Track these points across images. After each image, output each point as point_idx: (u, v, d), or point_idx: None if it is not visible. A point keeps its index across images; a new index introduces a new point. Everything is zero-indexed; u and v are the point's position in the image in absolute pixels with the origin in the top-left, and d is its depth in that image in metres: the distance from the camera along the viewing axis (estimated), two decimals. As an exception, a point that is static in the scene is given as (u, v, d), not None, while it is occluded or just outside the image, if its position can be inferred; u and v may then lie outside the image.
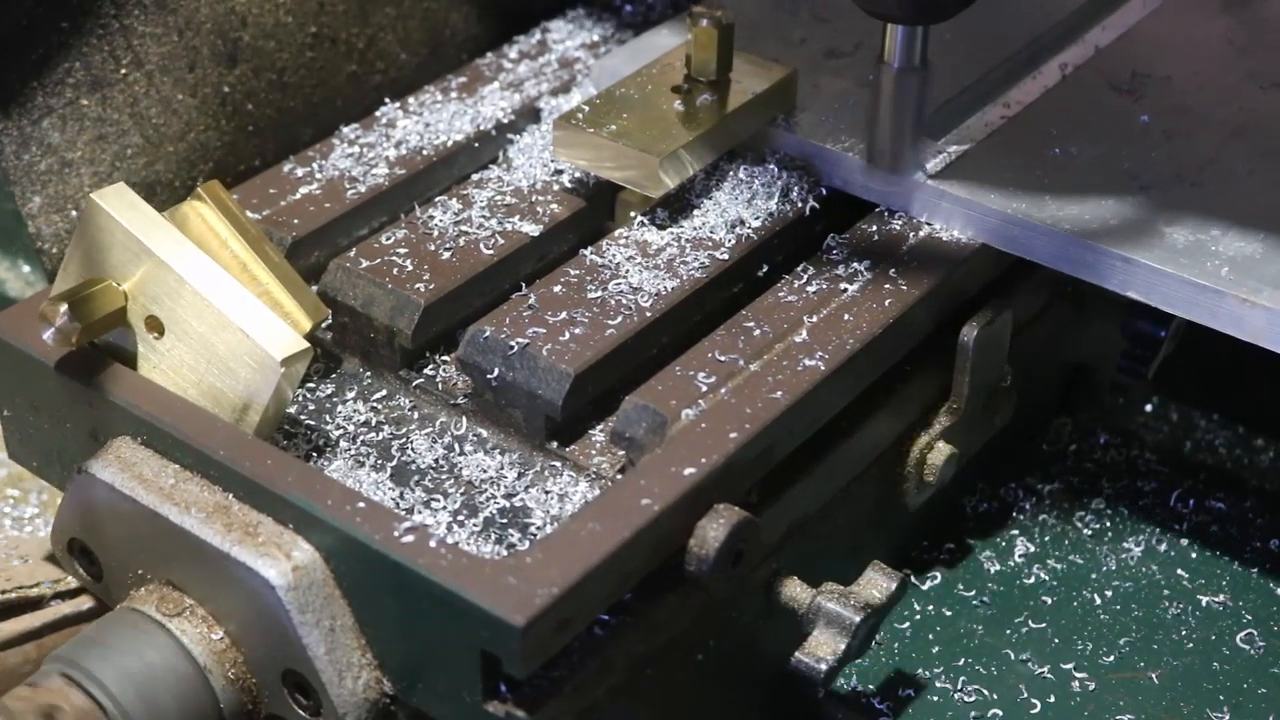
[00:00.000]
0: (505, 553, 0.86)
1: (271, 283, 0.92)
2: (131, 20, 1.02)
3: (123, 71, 1.02)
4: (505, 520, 0.88)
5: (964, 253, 0.98)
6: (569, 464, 0.91)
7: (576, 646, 0.82)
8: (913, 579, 1.04)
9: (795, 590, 0.91)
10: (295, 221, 1.01)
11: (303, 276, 0.98)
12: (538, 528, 0.88)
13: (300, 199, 1.02)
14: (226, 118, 1.08)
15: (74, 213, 1.01)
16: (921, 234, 0.99)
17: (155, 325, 0.90)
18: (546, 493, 0.90)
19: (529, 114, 1.10)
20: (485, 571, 0.79)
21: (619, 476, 0.89)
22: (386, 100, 1.11)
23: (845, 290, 0.95)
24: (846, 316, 0.93)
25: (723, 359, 0.90)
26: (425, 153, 1.06)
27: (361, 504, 0.82)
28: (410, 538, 0.80)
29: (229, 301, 0.89)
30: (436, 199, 1.02)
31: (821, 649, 0.88)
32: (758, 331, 0.92)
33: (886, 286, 0.95)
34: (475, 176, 1.05)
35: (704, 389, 0.88)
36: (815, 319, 0.93)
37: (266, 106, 1.10)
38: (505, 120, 1.09)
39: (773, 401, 0.88)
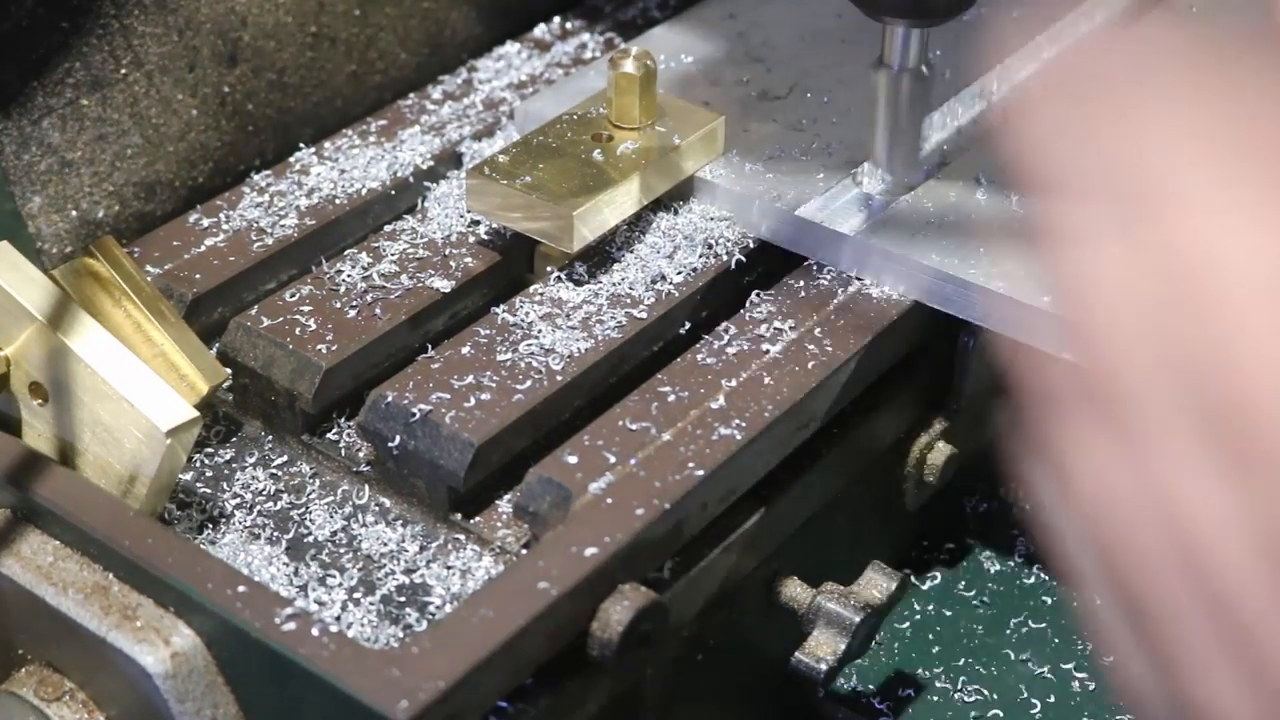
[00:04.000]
0: (401, 633, 0.82)
1: (167, 344, 0.88)
2: (131, 20, 1.00)
3: (123, 71, 1.01)
4: (404, 598, 0.84)
5: (894, 310, 0.94)
6: (473, 537, 0.87)
7: (470, 738, 0.78)
8: (913, 579, 1.03)
9: (795, 590, 0.90)
10: (197, 276, 0.96)
11: (205, 334, 0.94)
12: (437, 606, 0.83)
13: (204, 252, 0.98)
14: (226, 118, 1.06)
15: (74, 213, 1.00)
16: (851, 289, 0.95)
17: (39, 392, 0.86)
18: (448, 568, 0.85)
19: (450, 159, 1.06)
20: (369, 663, 0.75)
21: (524, 552, 0.85)
22: (301, 145, 1.07)
23: (767, 352, 0.91)
24: (767, 380, 0.89)
25: (634, 427, 0.86)
26: (338, 202, 1.02)
27: (243, 587, 0.78)
28: (292, 625, 0.76)
29: (114, 368, 0.84)
30: (346, 252, 0.98)
31: (821, 649, 0.88)
32: (672, 397, 0.88)
33: (810, 348, 0.91)
34: (388, 228, 1.01)
35: (612, 460, 0.84)
36: (734, 383, 0.89)
37: (266, 106, 1.08)
38: (424, 166, 1.05)
39: (684, 474, 0.84)
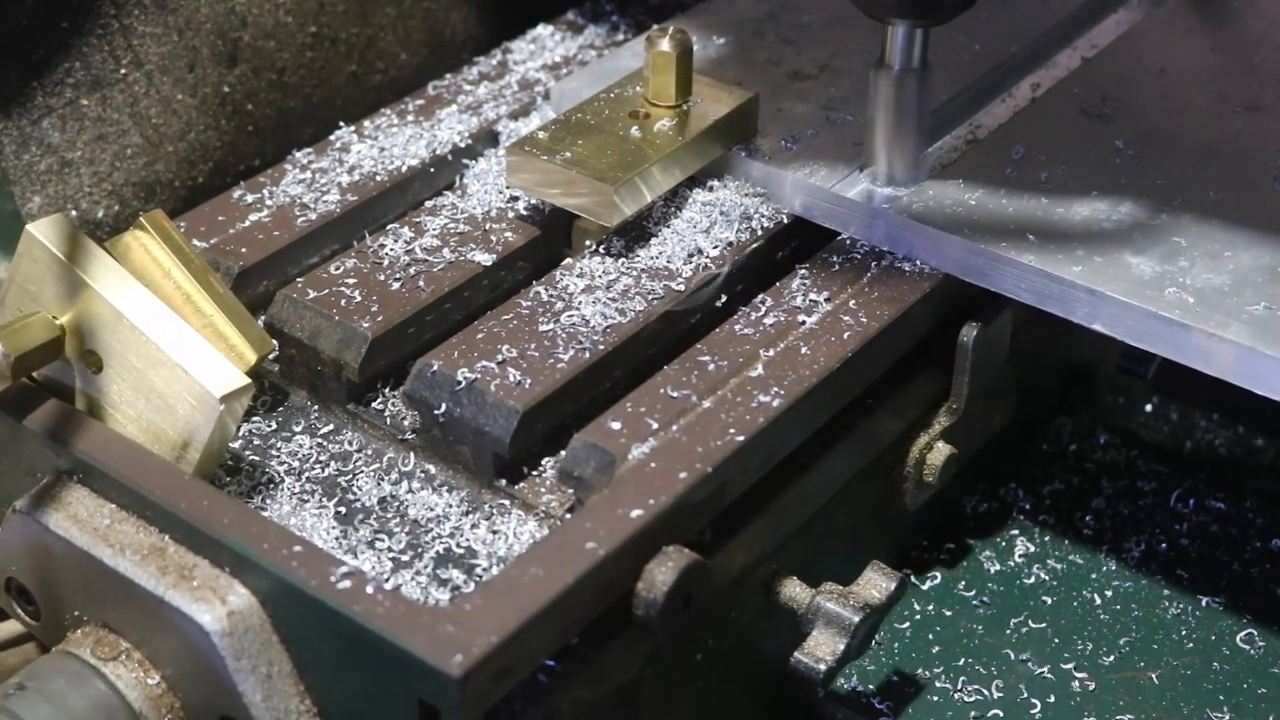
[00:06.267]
0: (449, 595, 0.84)
1: (216, 315, 0.90)
2: (131, 20, 1.01)
3: (123, 71, 1.02)
4: (450, 561, 0.86)
5: (927, 283, 0.96)
6: (517, 503, 0.89)
7: (519, 694, 0.80)
8: (913, 579, 1.04)
9: (795, 590, 0.90)
10: (243, 250, 0.98)
11: (252, 306, 0.96)
12: (483, 569, 0.85)
13: (249, 226, 1.00)
14: (226, 118, 1.07)
15: (74, 213, 1.01)
16: (884, 263, 0.97)
17: (94, 361, 0.88)
18: (493, 532, 0.87)
19: (487, 138, 1.08)
20: (422, 619, 0.77)
21: (568, 516, 0.87)
22: (341, 124, 1.09)
23: (803, 323, 0.93)
24: (804, 350, 0.91)
25: (675, 395, 0.88)
26: (379, 178, 1.04)
27: (298, 547, 0.80)
28: (347, 583, 0.78)
29: (167, 336, 0.86)
30: (388, 227, 1.00)
31: (821, 649, 0.88)
32: (712, 366, 0.90)
33: (846, 319, 0.93)
34: (429, 203, 1.03)
35: (654, 426, 0.86)
36: (771, 353, 0.91)
37: (266, 106, 1.09)
38: (462, 145, 1.07)
39: (725, 439, 0.86)
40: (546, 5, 1.21)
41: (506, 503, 0.89)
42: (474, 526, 0.88)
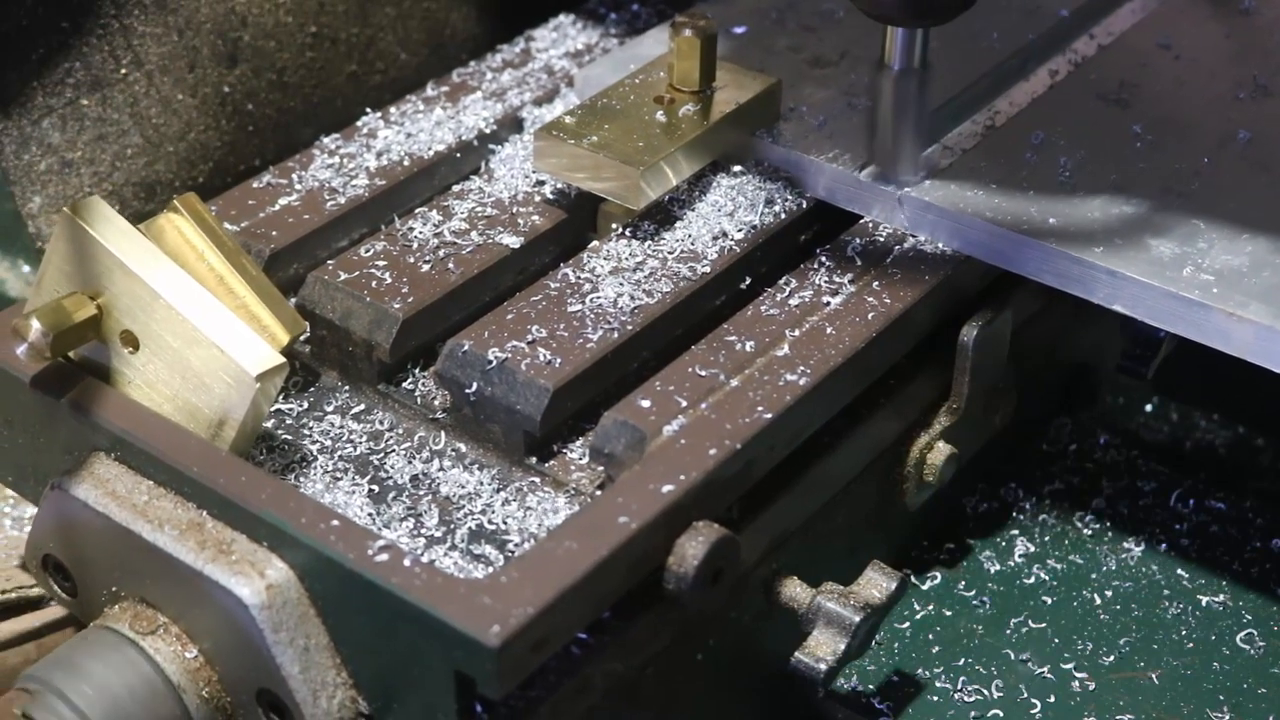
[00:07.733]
0: (482, 571, 0.85)
1: (248, 296, 0.91)
2: (131, 20, 1.02)
3: (123, 71, 1.02)
4: (482, 538, 0.87)
5: (949, 265, 0.97)
6: (548, 480, 0.90)
7: (553, 666, 0.81)
8: (913, 579, 1.04)
9: (795, 590, 0.91)
10: (274, 233, 1.00)
11: (281, 289, 0.97)
12: (515, 545, 0.87)
13: (279, 210, 1.01)
14: (226, 118, 1.08)
15: (74, 213, 1.02)
16: (906, 245, 0.99)
17: (130, 340, 0.89)
18: (525, 509, 0.89)
19: (511, 124, 1.10)
20: (459, 591, 0.78)
21: (598, 493, 0.88)
22: (368, 110, 1.10)
23: (828, 303, 0.94)
24: (829, 330, 0.92)
25: (703, 374, 0.89)
26: (406, 163, 1.05)
27: (335, 522, 0.81)
28: (384, 556, 0.79)
29: (203, 316, 0.88)
30: (417, 210, 1.01)
31: (821, 649, 0.88)
32: (739, 345, 0.91)
33: (870, 299, 0.94)
34: (456, 187, 1.04)
35: (684, 404, 0.87)
36: (797, 333, 0.92)
37: (266, 106, 1.10)
38: (487, 130, 1.08)
39: (753, 417, 0.87)
40: (547, 5, 1.21)
41: (537, 480, 0.90)
42: (505, 503, 0.89)
